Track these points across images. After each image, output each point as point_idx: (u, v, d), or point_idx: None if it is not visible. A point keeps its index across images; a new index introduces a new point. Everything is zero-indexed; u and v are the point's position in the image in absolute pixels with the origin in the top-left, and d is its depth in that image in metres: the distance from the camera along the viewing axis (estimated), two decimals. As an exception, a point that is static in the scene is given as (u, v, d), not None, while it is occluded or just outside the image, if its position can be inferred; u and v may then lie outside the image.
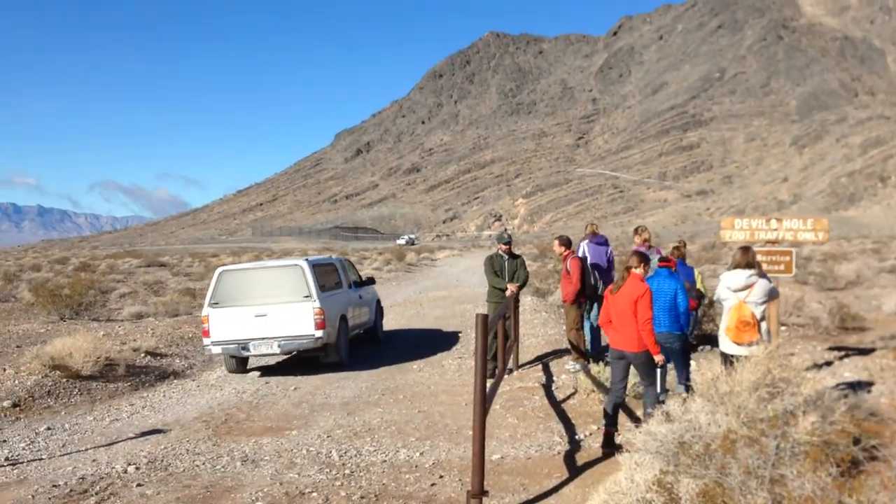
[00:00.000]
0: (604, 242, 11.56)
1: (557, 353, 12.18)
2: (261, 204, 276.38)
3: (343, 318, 12.96)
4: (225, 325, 11.90)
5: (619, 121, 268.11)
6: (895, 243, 52.36)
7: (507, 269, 10.88)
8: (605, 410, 7.60)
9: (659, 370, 7.65)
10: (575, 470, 6.96)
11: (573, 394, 9.41)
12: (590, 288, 10.49)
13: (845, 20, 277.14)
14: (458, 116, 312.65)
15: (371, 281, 15.92)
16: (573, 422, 8.49)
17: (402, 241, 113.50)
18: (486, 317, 6.12)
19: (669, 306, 8.75)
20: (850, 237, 75.70)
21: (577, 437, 7.99)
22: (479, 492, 5.98)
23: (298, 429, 8.64)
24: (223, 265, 13.68)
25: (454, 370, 11.76)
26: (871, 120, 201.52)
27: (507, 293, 10.52)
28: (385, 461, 7.40)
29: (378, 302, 15.97)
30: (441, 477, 6.93)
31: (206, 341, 12.10)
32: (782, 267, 9.60)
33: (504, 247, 10.92)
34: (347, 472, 7.08)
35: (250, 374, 12.30)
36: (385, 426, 8.64)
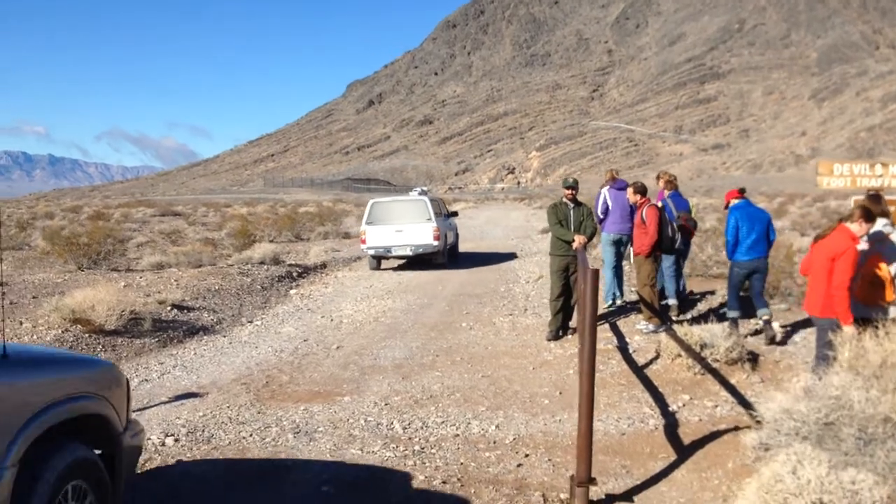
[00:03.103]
0: (624, 187, 11.21)
1: (622, 312, 11.20)
2: (272, 155, 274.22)
3: (445, 236, 18.79)
4: (376, 236, 18.07)
5: (635, 73, 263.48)
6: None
7: (572, 218, 9.81)
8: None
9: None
10: (682, 450, 6.02)
11: (655, 358, 8.44)
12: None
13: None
14: (471, 68, 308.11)
15: (455, 214, 22.12)
16: (660, 391, 7.54)
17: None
18: (596, 272, 5.10)
19: (765, 233, 9.05)
20: (873, 193, 74.09)
21: (670, 408, 7.04)
22: (587, 479, 5.00)
23: (350, 394, 7.71)
24: (374, 199, 19.58)
25: (508, 329, 10.79)
26: (892, 73, 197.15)
27: (575, 245, 9.46)
28: (457, 435, 6.47)
29: (456, 228, 21.69)
30: (527, 456, 6.01)
31: (363, 247, 18.46)
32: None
33: (568, 192, 9.83)
34: (417, 448, 6.16)
35: (285, 330, 11.36)
36: (448, 393, 7.70)
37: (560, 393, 7.63)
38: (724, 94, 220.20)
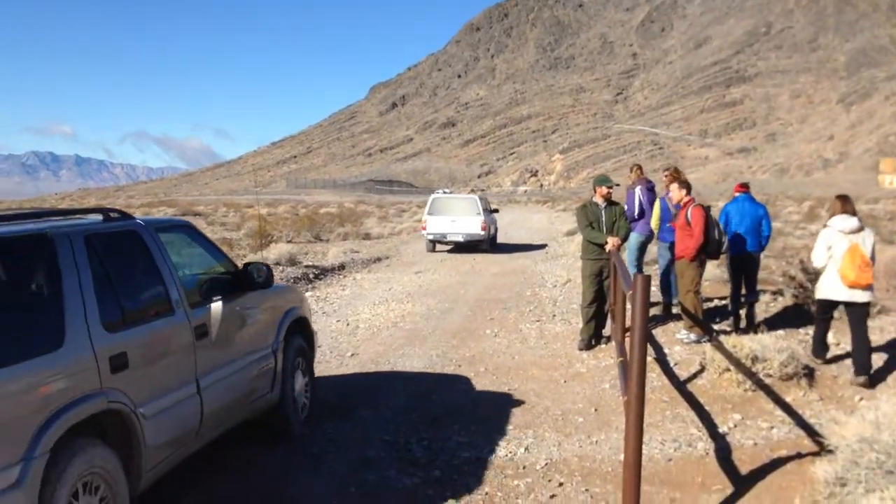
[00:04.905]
0: (653, 188, 11.06)
1: (657, 319, 10.38)
2: (295, 156, 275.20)
3: (489, 228, 22.57)
4: (435, 224, 21.97)
5: (660, 76, 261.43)
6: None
7: (604, 219, 9.04)
8: None
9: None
10: (739, 481, 5.28)
11: (700, 372, 7.67)
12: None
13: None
14: (494, 70, 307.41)
15: (496, 210, 25.83)
16: (707, 409, 6.80)
17: (436, 195, 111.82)
18: (647, 279, 4.40)
19: (756, 228, 9.39)
20: (902, 197, 72.16)
21: (720, 430, 6.30)
22: (635, 521, 4.31)
23: (365, 407, 7.03)
24: (434, 195, 23.73)
25: (535, 337, 10.06)
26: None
27: (608, 248, 8.71)
28: (480, 459, 5.76)
29: (496, 222, 25.07)
30: (560, 485, 5.31)
31: (423, 232, 22.48)
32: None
33: (606, 191, 9.05)
34: (437, 474, 5.47)
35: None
36: (471, 408, 7.00)
37: (595, 410, 6.91)
38: (750, 98, 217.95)
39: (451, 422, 6.61)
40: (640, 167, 11.70)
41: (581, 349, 9.00)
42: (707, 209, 8.72)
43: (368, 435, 6.26)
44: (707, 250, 8.65)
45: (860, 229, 7.51)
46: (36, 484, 3.22)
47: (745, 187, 9.79)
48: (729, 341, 7.59)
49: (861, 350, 7.39)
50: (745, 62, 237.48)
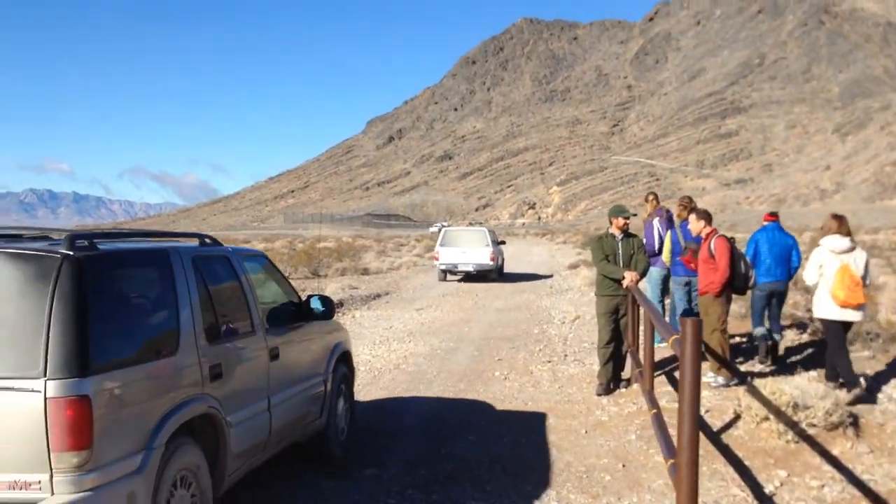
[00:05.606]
0: (672, 218, 10.50)
1: (675, 359, 9.71)
2: (292, 191, 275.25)
3: (498, 258, 23.84)
4: (446, 255, 23.28)
5: (656, 108, 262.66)
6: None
7: (621, 252, 8.44)
8: None
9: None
10: (798, 554, 4.61)
11: (735, 420, 7.00)
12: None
13: (888, 5, 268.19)
14: (491, 103, 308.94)
15: (503, 242, 27.12)
16: (747, 464, 6.12)
17: (434, 229, 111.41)
18: (698, 324, 3.78)
19: (785, 258, 9.05)
20: (899, 227, 71.46)
21: (765, 489, 5.62)
22: None
23: (368, 464, 6.35)
24: (446, 227, 25.82)
25: (548, 379, 9.40)
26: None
27: (626, 283, 8.10)
28: (501, 527, 5.09)
29: (503, 253, 26.01)
30: (594, 560, 4.62)
31: (436, 263, 23.84)
32: None
33: (623, 222, 8.46)
34: (450, 546, 4.79)
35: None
36: (485, 463, 6.32)
37: (623, 466, 6.24)
38: (745, 129, 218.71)
39: (463, 480, 5.94)
40: (655, 196, 11.18)
41: (600, 394, 8.34)
42: (731, 240, 8.12)
43: (372, 497, 5.59)
44: (734, 285, 8.03)
45: (851, 249, 7.54)
46: (154, 472, 3.59)
47: (774, 216, 9.47)
48: (766, 386, 6.92)
49: (842, 365, 7.56)
50: (740, 93, 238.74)
